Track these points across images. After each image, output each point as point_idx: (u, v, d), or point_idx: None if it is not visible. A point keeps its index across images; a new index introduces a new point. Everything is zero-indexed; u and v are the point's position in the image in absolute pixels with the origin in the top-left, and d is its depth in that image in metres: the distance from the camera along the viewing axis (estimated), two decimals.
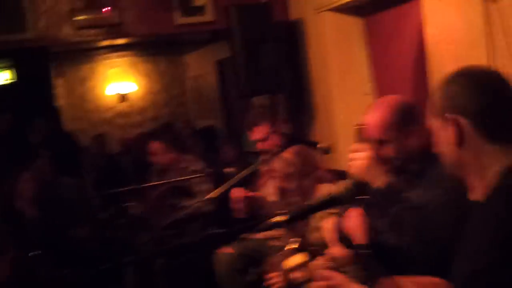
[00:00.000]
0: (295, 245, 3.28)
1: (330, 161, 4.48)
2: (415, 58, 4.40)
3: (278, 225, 1.72)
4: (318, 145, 3.08)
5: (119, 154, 8.59)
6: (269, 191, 4.45)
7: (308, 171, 3.60)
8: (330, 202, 1.81)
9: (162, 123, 9.03)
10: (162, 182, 4.83)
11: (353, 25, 5.15)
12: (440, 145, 1.69)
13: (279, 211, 1.95)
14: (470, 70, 1.68)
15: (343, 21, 5.13)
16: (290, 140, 3.15)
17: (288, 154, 3.54)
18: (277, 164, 3.66)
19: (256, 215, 4.03)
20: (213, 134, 8.40)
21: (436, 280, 2.09)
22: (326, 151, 3.08)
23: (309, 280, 3.17)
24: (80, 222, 5.63)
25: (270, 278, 3.35)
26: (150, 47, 9.49)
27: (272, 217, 1.73)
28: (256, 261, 4.09)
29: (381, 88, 4.98)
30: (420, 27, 4.13)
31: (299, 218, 1.91)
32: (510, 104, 1.60)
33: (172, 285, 4.85)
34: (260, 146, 4.38)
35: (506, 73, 1.64)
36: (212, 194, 3.56)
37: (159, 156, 5.15)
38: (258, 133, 4.35)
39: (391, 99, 2.58)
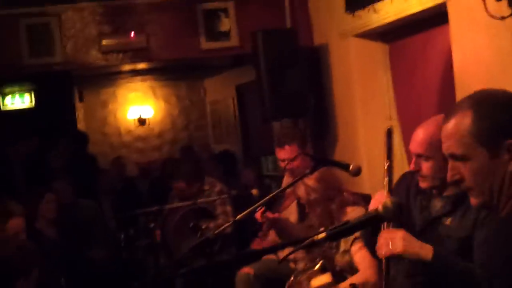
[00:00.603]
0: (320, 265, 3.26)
1: (354, 185, 4.44)
2: (442, 85, 4.37)
3: (317, 243, 1.70)
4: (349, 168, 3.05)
5: (137, 178, 8.62)
6: (292, 213, 4.43)
7: (333, 195, 3.58)
8: (371, 221, 1.79)
9: (181, 146, 9.06)
10: (184, 204, 4.82)
11: (378, 50, 5.15)
12: (484, 176, 1.65)
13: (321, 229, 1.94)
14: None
15: (368, 47, 5.13)
16: (319, 162, 3.12)
17: (310, 181, 3.52)
18: (300, 191, 3.65)
19: (280, 237, 4.00)
20: (231, 158, 8.41)
21: None
22: (356, 173, 3.05)
23: None
24: (98, 243, 5.64)
25: None
26: (171, 71, 9.56)
27: (311, 236, 1.71)
28: (275, 283, 4.05)
29: (406, 114, 4.96)
30: (447, 52, 4.10)
31: (339, 236, 1.89)
32: None
33: None
34: (286, 166, 4.36)
35: None
36: (238, 217, 3.52)
37: (185, 193, 5.13)
38: (286, 153, 4.34)
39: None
